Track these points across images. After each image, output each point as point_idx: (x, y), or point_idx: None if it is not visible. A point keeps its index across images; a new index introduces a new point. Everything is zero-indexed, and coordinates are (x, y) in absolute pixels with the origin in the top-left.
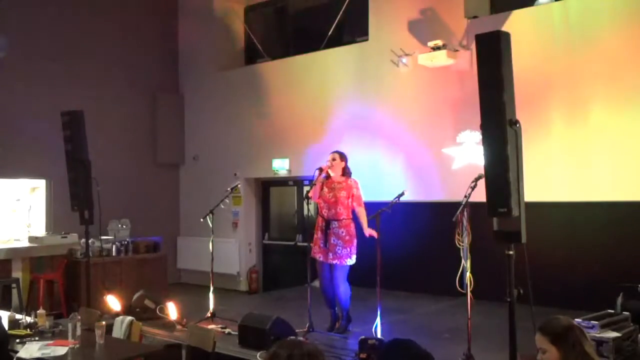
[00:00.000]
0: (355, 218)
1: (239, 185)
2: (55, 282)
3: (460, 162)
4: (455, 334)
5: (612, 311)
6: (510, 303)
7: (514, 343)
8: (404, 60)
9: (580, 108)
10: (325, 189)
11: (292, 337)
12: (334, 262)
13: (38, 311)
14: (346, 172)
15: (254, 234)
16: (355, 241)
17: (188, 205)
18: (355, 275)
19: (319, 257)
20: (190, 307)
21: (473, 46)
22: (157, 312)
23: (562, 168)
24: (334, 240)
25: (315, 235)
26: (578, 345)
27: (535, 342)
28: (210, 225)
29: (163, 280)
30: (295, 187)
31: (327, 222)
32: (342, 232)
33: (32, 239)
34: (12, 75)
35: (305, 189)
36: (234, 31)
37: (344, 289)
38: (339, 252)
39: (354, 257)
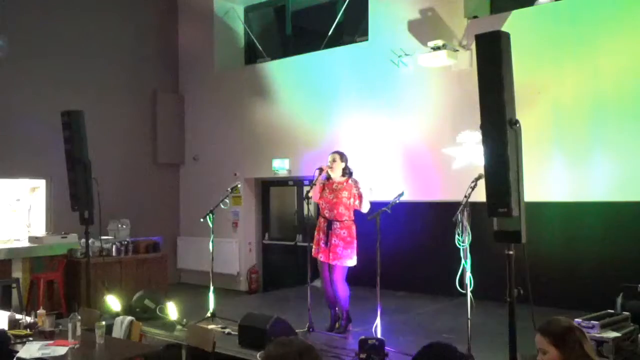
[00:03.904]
0: (356, 220)
1: (239, 185)
2: (55, 282)
3: (460, 162)
4: (455, 334)
5: (612, 311)
6: (510, 303)
7: (514, 343)
8: (404, 60)
9: (580, 108)
10: (327, 190)
11: (285, 336)
12: (335, 262)
13: (38, 311)
14: (347, 172)
15: (254, 234)
16: (355, 243)
17: (188, 205)
18: (355, 275)
19: (320, 257)
20: (190, 307)
21: (473, 46)
22: (157, 312)
23: (562, 168)
24: (335, 241)
25: (316, 236)
26: (578, 346)
27: (535, 343)
28: (210, 225)
29: (163, 280)
30: (295, 187)
31: (329, 223)
32: (344, 233)
33: (32, 239)
34: (12, 75)
35: (305, 189)
36: (234, 31)
37: (342, 289)
38: (340, 252)
39: (354, 258)
